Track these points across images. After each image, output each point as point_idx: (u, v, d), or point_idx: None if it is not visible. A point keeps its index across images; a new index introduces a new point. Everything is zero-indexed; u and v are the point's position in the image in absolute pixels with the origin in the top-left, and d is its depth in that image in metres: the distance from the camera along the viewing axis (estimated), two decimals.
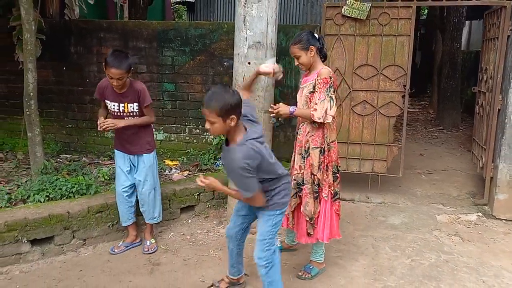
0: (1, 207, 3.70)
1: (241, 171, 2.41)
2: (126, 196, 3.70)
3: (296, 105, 3.29)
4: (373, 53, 4.76)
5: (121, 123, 3.47)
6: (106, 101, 3.52)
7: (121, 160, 3.66)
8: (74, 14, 6.37)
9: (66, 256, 3.62)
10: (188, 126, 5.62)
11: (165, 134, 5.71)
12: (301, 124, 3.31)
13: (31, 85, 4.10)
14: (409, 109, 10.82)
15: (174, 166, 5.31)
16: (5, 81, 6.00)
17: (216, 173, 4.99)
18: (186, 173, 5.08)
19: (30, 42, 4.08)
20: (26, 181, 4.36)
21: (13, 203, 3.79)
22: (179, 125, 5.64)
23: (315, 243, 3.32)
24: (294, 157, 3.35)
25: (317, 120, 3.09)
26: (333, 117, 3.14)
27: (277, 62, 3.38)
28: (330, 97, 3.09)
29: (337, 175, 3.31)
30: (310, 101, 3.16)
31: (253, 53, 3.80)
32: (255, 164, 2.43)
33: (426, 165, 6.30)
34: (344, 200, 4.90)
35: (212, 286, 3.24)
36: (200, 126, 5.56)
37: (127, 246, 3.77)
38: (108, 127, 3.38)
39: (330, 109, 3.09)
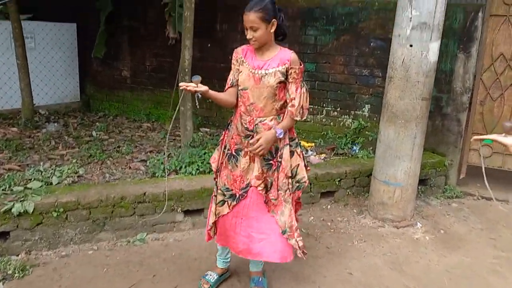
0: (158, 176, 3.96)
1: None
2: None
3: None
4: None
5: None
6: None
7: None
8: None
9: None
10: (325, 108, 5.47)
11: None
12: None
13: (187, 61, 4.27)
14: None
15: (310, 148, 5.24)
16: (155, 55, 6.40)
17: (352, 158, 4.82)
18: (323, 156, 4.98)
19: (190, 20, 4.20)
20: (175, 153, 4.62)
21: (167, 173, 4.03)
22: (316, 106, 5.52)
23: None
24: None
25: (298, 119, 2.57)
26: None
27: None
28: (306, 88, 2.60)
29: None
30: (279, 93, 2.56)
31: (417, 34, 3.50)
32: None
33: None
34: (498, 200, 4.45)
35: None
36: (339, 109, 5.39)
37: None
38: None
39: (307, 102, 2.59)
